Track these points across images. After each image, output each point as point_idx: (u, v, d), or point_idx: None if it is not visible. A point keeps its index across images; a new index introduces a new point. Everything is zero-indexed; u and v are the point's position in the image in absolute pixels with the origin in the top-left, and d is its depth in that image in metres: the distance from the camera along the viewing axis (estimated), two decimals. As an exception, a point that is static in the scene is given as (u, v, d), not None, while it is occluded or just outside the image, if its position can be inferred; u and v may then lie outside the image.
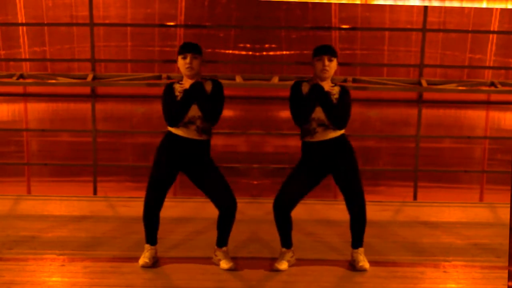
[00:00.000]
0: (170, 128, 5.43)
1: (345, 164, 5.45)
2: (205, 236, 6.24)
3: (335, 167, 5.45)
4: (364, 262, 5.51)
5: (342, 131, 5.44)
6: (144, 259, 5.51)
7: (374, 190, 8.14)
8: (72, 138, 8.27)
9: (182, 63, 5.37)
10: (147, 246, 5.58)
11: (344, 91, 5.44)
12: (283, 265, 5.51)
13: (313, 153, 5.45)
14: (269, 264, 5.54)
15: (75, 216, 6.89)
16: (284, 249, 5.57)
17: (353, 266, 5.53)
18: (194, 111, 5.38)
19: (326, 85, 5.41)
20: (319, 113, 5.38)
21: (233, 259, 5.57)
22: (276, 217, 5.52)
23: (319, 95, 5.34)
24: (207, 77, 5.55)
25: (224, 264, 5.49)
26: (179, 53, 5.40)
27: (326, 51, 5.38)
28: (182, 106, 5.34)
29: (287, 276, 5.36)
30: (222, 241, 5.57)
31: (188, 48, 5.38)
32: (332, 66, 5.37)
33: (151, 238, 5.58)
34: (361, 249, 5.56)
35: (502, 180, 7.80)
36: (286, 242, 5.57)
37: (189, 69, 5.37)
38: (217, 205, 5.49)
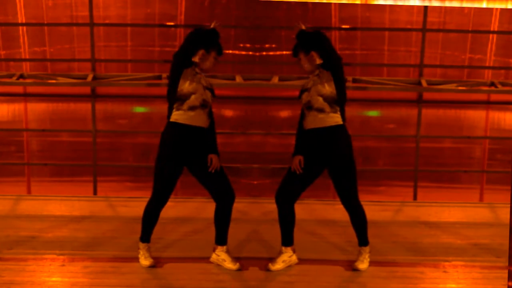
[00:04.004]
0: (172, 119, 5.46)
1: (339, 156, 5.42)
2: (205, 236, 6.24)
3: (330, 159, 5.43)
4: (359, 263, 5.49)
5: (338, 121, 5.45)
6: (148, 259, 5.49)
7: (374, 190, 8.14)
8: (72, 138, 8.27)
9: (211, 60, 5.54)
10: (144, 245, 5.54)
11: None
12: (276, 265, 5.48)
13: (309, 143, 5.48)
14: (269, 263, 5.53)
15: (75, 216, 6.89)
16: (283, 248, 5.54)
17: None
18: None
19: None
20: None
21: (234, 258, 5.57)
22: (279, 209, 5.48)
23: None
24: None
25: (231, 265, 5.48)
26: (218, 52, 5.55)
27: (296, 52, 5.59)
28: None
29: (287, 276, 5.36)
30: (221, 238, 5.53)
31: (222, 49, 5.57)
32: (307, 60, 5.51)
33: (149, 235, 5.54)
34: (364, 248, 5.53)
35: (502, 180, 7.80)
36: (287, 238, 5.53)
37: (212, 68, 5.63)
38: (214, 196, 5.48)
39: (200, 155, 5.45)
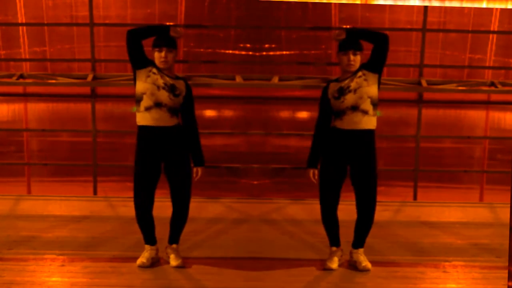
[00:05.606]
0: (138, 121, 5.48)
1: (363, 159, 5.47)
2: (204, 236, 6.24)
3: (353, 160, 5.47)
4: (366, 262, 5.52)
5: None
6: (141, 259, 5.52)
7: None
8: (72, 138, 8.27)
9: (157, 56, 5.44)
10: (147, 246, 5.59)
11: None
12: (335, 264, 5.55)
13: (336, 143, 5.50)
14: (269, 263, 5.54)
15: (75, 216, 6.89)
16: (334, 248, 5.62)
17: (354, 266, 5.53)
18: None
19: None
20: None
21: (234, 258, 5.59)
22: (323, 216, 5.59)
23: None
24: (179, 76, 5.63)
25: (173, 261, 5.55)
26: (155, 45, 5.45)
27: (351, 45, 5.40)
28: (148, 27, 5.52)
29: (287, 276, 5.35)
30: (172, 238, 5.64)
31: (163, 42, 5.43)
32: (357, 60, 5.40)
33: (150, 238, 5.59)
34: (361, 250, 5.57)
35: (502, 180, 7.79)
36: (335, 240, 5.63)
37: (164, 63, 5.44)
38: (173, 202, 5.60)
39: (170, 156, 5.49)
